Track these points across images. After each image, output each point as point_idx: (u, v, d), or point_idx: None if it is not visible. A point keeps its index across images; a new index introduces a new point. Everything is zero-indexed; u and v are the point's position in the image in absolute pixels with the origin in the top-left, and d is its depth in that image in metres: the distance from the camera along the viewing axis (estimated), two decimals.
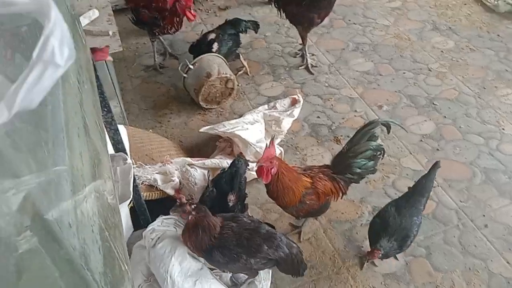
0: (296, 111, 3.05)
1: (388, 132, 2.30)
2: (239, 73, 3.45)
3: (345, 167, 2.17)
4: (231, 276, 2.20)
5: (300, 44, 3.63)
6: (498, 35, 3.84)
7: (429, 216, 2.49)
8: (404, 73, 3.48)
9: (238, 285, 2.12)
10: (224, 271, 2.12)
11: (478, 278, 2.21)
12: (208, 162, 2.53)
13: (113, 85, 2.69)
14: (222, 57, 3.22)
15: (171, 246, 1.91)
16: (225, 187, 2.22)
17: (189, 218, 1.86)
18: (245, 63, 3.49)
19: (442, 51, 3.67)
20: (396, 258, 2.30)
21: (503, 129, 2.98)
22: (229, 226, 1.89)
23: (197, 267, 1.91)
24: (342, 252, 2.35)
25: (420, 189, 2.19)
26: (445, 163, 2.72)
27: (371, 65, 3.58)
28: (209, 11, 4.38)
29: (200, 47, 3.32)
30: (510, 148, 2.84)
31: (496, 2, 4.13)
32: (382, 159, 2.27)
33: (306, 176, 2.10)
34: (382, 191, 2.65)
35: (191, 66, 3.10)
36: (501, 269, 2.24)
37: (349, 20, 4.11)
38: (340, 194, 2.22)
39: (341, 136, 2.99)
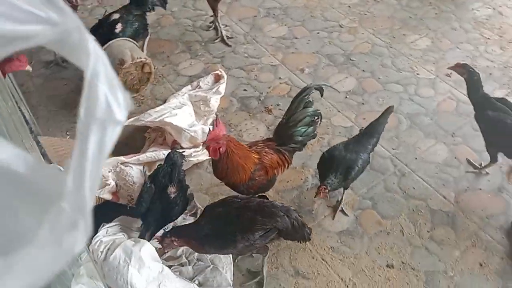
0: (222, 87, 2.95)
1: (322, 95, 2.32)
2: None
3: (288, 137, 2.16)
4: (192, 267, 2.13)
5: (211, 16, 3.48)
6: None
7: (368, 168, 2.57)
8: (318, 33, 3.51)
9: (201, 274, 2.06)
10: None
11: (423, 217, 2.36)
12: (143, 157, 2.36)
13: (15, 90, 2.37)
14: (132, 41, 2.98)
15: (125, 255, 1.78)
16: (164, 181, 2.11)
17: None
18: (144, 49, 3.23)
19: (349, 6, 3.76)
20: (345, 214, 2.37)
21: (417, 74, 3.16)
22: (216, 212, 1.86)
23: (157, 270, 1.80)
24: None
25: (369, 130, 2.29)
26: (371, 115, 2.84)
27: (285, 29, 3.56)
28: None
29: (102, 28, 3.03)
30: (426, 91, 3.02)
31: None
32: (320, 123, 2.29)
33: (253, 152, 2.05)
34: (319, 153, 2.64)
35: None
36: (440, 205, 2.42)
37: None
38: (286, 165, 2.21)
39: (271, 105, 2.97)
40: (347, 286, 2.10)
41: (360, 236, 2.29)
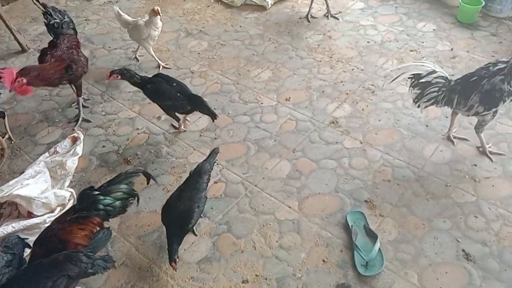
0: (79, 148, 3.06)
1: (148, 182, 2.57)
2: (4, 138, 3.21)
3: (91, 203, 2.23)
4: None
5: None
6: (240, 26, 4.46)
7: (222, 196, 2.81)
8: None
9: None
10: None
11: (271, 229, 2.61)
12: None
13: None
14: None
15: None
16: None
17: None
18: (8, 129, 3.30)
19: (199, 53, 4.09)
20: (194, 234, 2.58)
21: (261, 103, 3.51)
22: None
23: None
24: (157, 259, 2.49)
25: (197, 171, 2.49)
26: (223, 147, 3.12)
27: None
28: None
29: None
30: (270, 117, 3.36)
31: None
32: (138, 204, 2.49)
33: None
34: None
35: None
36: (286, 215, 2.69)
37: (110, 47, 4.25)
38: (95, 230, 2.23)
39: (130, 156, 3.12)
40: None
41: (218, 260, 2.48)
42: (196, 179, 2.45)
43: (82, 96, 3.44)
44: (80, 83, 3.36)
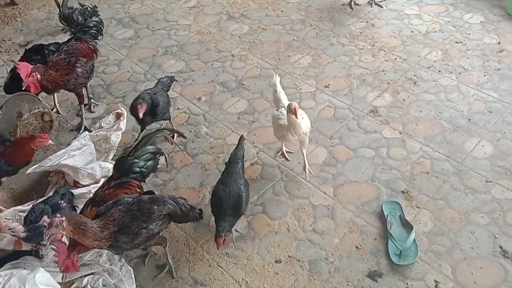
0: (122, 124, 3.17)
1: (173, 137, 2.90)
2: (53, 111, 3.36)
3: (128, 169, 2.38)
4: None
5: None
6: (282, 11, 4.45)
7: (258, 178, 2.86)
8: (212, 64, 3.83)
9: None
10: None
11: (305, 213, 2.65)
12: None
13: None
14: (31, 93, 3.15)
15: (20, 283, 1.94)
16: None
17: (64, 235, 1.92)
18: (56, 103, 3.46)
19: (239, 37, 4.13)
20: (237, 231, 2.57)
21: (300, 89, 3.52)
22: (117, 210, 2.05)
23: None
24: (194, 235, 2.58)
25: (233, 158, 2.54)
26: (261, 130, 3.18)
27: (182, 64, 3.85)
28: (10, 50, 4.18)
29: (14, 82, 3.16)
30: (308, 103, 3.37)
31: None
32: (166, 160, 2.68)
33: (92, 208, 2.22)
34: (216, 171, 2.94)
35: None
36: (320, 200, 2.71)
37: (153, 27, 4.34)
38: (138, 190, 2.39)
39: (171, 134, 3.21)
40: (240, 286, 2.33)
41: (252, 239, 2.54)
42: (234, 165, 2.50)
43: (85, 103, 3.37)
44: (80, 91, 3.24)
